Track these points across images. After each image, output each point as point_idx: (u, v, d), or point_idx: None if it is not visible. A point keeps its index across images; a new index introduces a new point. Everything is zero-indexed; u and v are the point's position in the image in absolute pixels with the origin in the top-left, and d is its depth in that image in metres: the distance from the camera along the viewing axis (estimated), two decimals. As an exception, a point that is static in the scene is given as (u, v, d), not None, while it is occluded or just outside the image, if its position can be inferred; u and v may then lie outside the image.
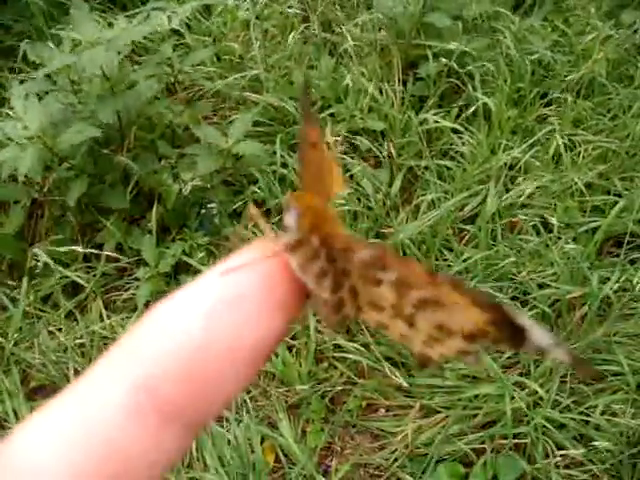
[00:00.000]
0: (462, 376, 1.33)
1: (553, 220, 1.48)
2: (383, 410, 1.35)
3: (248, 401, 1.32)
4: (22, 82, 1.61)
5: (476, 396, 1.32)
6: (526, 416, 1.29)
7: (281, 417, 1.30)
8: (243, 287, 0.22)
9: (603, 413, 1.29)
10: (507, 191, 1.53)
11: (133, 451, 0.20)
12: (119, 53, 1.43)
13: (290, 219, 0.24)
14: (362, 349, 1.36)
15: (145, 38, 1.61)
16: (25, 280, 1.44)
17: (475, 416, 1.30)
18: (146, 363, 0.21)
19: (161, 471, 0.21)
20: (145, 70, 1.53)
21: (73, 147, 1.43)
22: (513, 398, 1.28)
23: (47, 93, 1.50)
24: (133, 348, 0.21)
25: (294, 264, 0.24)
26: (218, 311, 0.22)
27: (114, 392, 0.21)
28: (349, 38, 1.78)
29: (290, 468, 1.26)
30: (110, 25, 1.51)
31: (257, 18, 1.79)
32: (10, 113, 1.49)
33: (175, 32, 1.73)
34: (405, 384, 1.32)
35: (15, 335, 1.40)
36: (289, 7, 1.86)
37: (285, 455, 1.28)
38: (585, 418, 1.29)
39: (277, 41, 1.82)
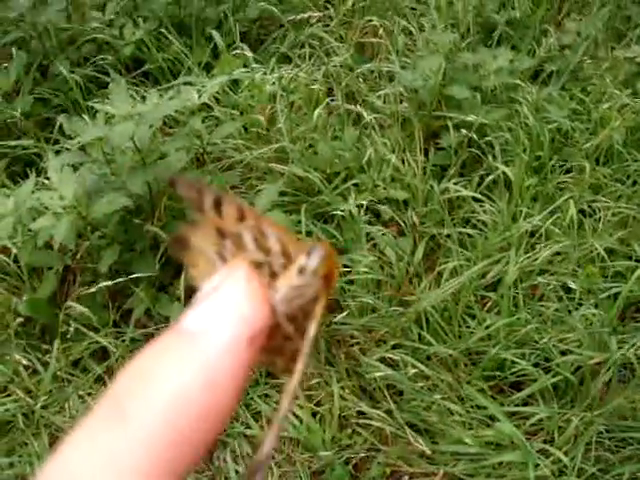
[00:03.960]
0: (485, 443, 1.34)
1: (574, 286, 1.50)
2: (407, 477, 1.35)
3: (273, 467, 1.33)
4: (58, 152, 1.68)
5: (500, 463, 1.32)
6: (551, 484, 1.28)
7: (305, 483, 1.30)
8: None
9: (630, 481, 1.28)
10: (528, 258, 1.55)
11: None
12: (151, 126, 1.49)
13: (312, 261, 0.25)
14: (385, 416, 1.37)
15: (176, 111, 1.68)
16: (56, 344, 1.48)
17: (499, 484, 1.30)
18: (153, 437, 0.21)
19: None
20: (175, 142, 1.59)
21: (105, 216, 1.48)
22: (537, 466, 1.27)
23: (81, 164, 1.56)
24: (137, 411, 0.22)
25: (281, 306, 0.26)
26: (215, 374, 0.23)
27: None
28: (374, 110, 1.83)
29: (314, 535, 1.26)
30: (143, 98, 1.58)
31: (283, 91, 1.85)
32: (46, 183, 1.56)
33: (204, 104, 1.79)
34: (428, 451, 1.33)
35: (45, 398, 1.43)
36: (314, 80, 1.92)
37: (309, 522, 1.28)
38: (611, 487, 1.29)
39: (303, 113, 1.88)
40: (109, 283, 1.46)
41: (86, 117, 1.71)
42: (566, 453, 1.31)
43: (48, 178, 1.52)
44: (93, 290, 1.47)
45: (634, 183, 1.74)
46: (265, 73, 1.91)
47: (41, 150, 1.84)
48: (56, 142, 1.85)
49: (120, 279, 1.47)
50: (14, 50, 2.00)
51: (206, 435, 0.23)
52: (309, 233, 1.57)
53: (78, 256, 1.59)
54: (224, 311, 0.24)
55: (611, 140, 1.78)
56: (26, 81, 1.99)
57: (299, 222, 1.56)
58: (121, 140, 1.45)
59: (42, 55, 2.07)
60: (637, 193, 1.70)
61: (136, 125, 1.44)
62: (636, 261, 1.58)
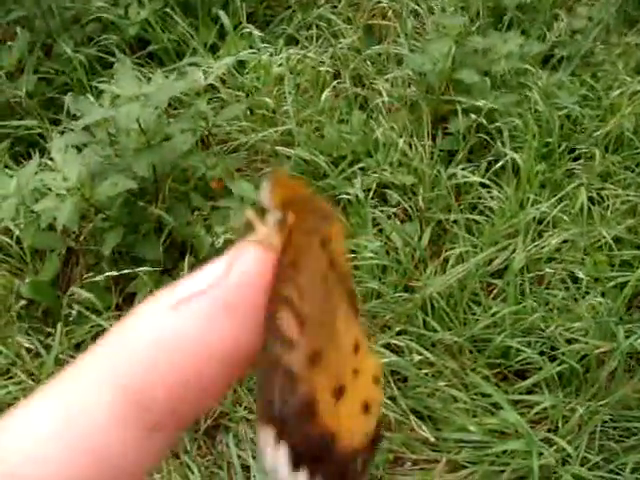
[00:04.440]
0: (489, 431, 1.33)
1: (581, 274, 1.49)
2: (410, 464, 1.35)
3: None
4: (62, 133, 1.67)
5: (504, 452, 1.31)
6: (555, 473, 1.28)
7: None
8: (230, 295, 0.23)
9: (634, 471, 1.28)
10: (535, 245, 1.54)
11: (114, 454, 0.21)
12: (156, 108, 1.47)
13: (264, 194, 0.25)
14: (389, 402, 1.36)
15: (181, 92, 1.66)
16: (59, 327, 1.47)
17: (502, 472, 1.29)
18: (131, 363, 0.21)
19: (143, 472, 0.22)
20: (180, 124, 1.57)
21: (109, 198, 1.47)
22: (541, 454, 1.27)
23: (86, 145, 1.55)
24: (119, 346, 0.22)
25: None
26: (202, 313, 0.22)
27: (98, 392, 0.21)
28: (383, 93, 1.82)
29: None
30: (148, 80, 1.56)
31: (290, 73, 1.83)
32: (50, 164, 1.54)
33: (210, 85, 1.77)
34: (432, 438, 1.32)
35: (47, 381, 1.42)
36: (321, 62, 1.90)
37: (311, 508, 1.27)
38: (615, 477, 1.28)
39: (309, 96, 1.86)
40: (114, 274, 1.45)
41: (90, 97, 1.69)
42: (570, 442, 1.30)
43: (52, 159, 1.50)
44: (98, 279, 1.46)
45: (644, 171, 1.72)
46: (272, 54, 1.89)
47: (44, 130, 1.82)
48: (60, 123, 1.83)
49: (125, 270, 1.46)
50: (18, 29, 1.97)
51: (183, 392, 0.22)
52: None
53: (81, 238, 1.58)
54: (198, 282, 0.23)
55: (621, 127, 1.76)
56: (29, 60, 1.96)
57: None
58: (127, 121, 1.43)
59: (46, 34, 2.04)
60: (646, 181, 1.69)
61: (142, 106, 1.42)
62: (644, 250, 1.56)
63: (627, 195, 1.65)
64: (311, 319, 0.23)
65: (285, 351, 0.22)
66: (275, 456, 0.21)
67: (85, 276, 1.51)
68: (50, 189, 1.44)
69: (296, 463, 0.21)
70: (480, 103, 1.69)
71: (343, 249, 0.25)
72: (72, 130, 1.61)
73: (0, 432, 0.21)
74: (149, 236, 1.54)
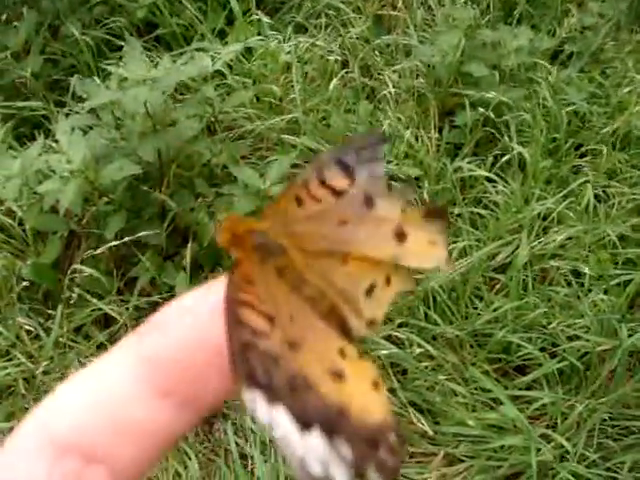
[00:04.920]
0: (488, 426, 1.33)
1: (585, 271, 1.48)
2: (407, 457, 1.35)
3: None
4: (67, 115, 1.66)
5: (501, 447, 1.31)
6: (552, 469, 1.27)
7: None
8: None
9: (631, 470, 1.28)
10: (539, 241, 1.53)
11: (134, 415, 0.23)
12: (163, 93, 1.46)
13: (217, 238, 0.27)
14: (388, 394, 1.36)
15: (188, 77, 1.65)
16: (60, 309, 1.46)
17: (500, 467, 1.29)
18: (151, 344, 0.24)
19: (161, 442, 0.24)
20: (187, 109, 1.56)
21: (113, 182, 1.46)
22: (539, 450, 1.27)
23: (91, 128, 1.54)
24: (144, 334, 0.24)
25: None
26: (215, 313, 0.24)
27: (123, 364, 0.24)
28: (389, 84, 1.81)
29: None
30: (155, 64, 1.55)
31: (298, 61, 1.82)
32: (54, 146, 1.54)
33: (217, 71, 1.76)
34: (430, 431, 1.32)
35: (46, 364, 1.42)
36: (330, 52, 1.89)
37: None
38: (612, 475, 1.28)
39: (317, 84, 1.85)
40: (116, 243, 1.44)
41: (97, 79, 1.68)
42: (568, 439, 1.30)
43: (56, 141, 1.49)
44: (99, 252, 1.46)
45: (651, 170, 1.71)
46: (280, 42, 1.88)
47: (49, 112, 1.81)
48: (63, 104, 1.82)
49: (127, 238, 1.45)
50: (24, 9, 1.96)
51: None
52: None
53: (84, 221, 1.57)
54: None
55: (629, 125, 1.75)
56: (36, 41, 1.95)
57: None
58: (134, 105, 1.42)
59: (53, 15, 2.03)
60: (653, 180, 1.68)
61: (149, 90, 1.41)
62: (648, 249, 1.56)
63: (633, 193, 1.65)
64: (278, 316, 0.24)
65: (257, 339, 0.23)
66: (270, 412, 0.21)
67: (87, 254, 1.50)
68: (54, 171, 1.43)
69: (305, 424, 0.21)
70: (490, 95, 1.68)
71: (327, 276, 0.27)
72: (77, 112, 1.60)
73: (42, 407, 0.23)
74: (152, 221, 1.53)
